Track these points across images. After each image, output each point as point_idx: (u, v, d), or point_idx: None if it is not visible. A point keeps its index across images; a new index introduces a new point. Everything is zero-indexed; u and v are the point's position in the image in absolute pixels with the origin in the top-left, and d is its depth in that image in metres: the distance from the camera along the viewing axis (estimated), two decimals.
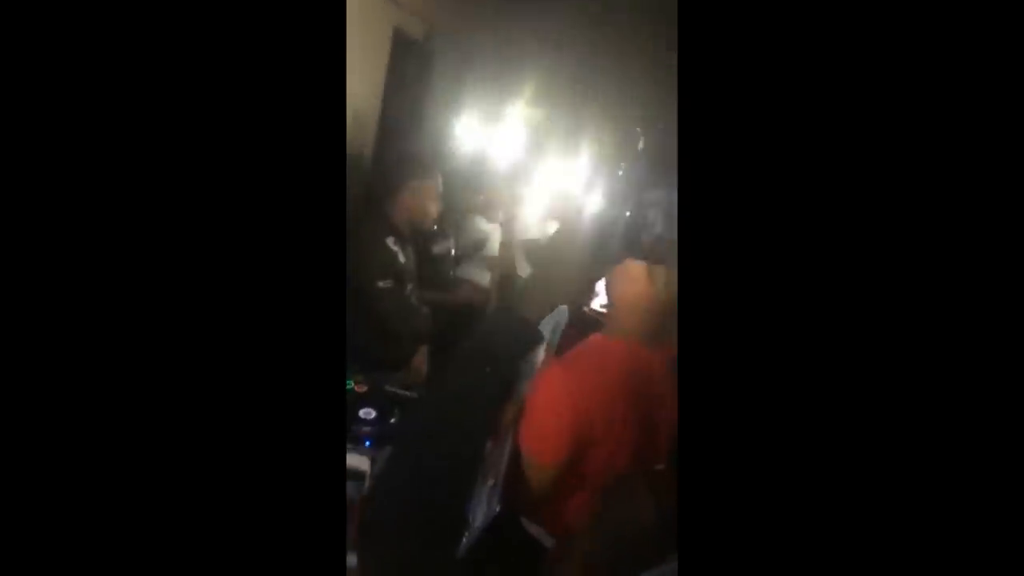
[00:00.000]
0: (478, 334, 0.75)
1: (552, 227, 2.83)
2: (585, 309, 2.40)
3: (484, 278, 2.56)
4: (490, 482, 0.96)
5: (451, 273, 2.39)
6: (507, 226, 2.68)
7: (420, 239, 1.88)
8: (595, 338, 1.06)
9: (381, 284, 1.61)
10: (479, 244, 2.56)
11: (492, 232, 2.63)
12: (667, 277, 0.91)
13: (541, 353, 0.86)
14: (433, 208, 1.73)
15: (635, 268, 0.97)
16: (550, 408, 0.95)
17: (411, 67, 2.99)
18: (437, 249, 2.24)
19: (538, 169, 3.27)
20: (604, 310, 2.53)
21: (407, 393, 1.45)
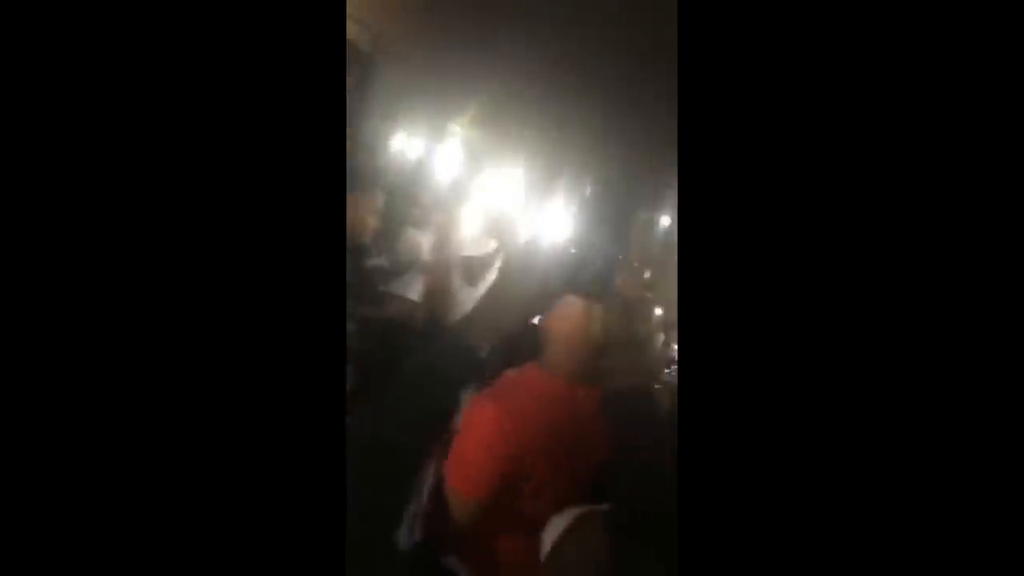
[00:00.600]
0: (422, 356, 0.74)
1: (491, 245, 2.84)
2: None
3: (415, 293, 2.53)
4: (411, 509, 0.95)
5: (381, 288, 2.34)
6: (441, 240, 2.67)
7: (355, 253, 1.83)
8: (531, 370, 1.06)
9: None
10: (413, 259, 2.54)
11: (426, 246, 2.61)
12: (604, 316, 0.94)
13: (480, 381, 0.85)
14: (371, 221, 1.69)
15: (574, 305, 0.99)
16: (479, 441, 0.94)
17: (353, 76, 2.94)
18: (371, 263, 2.19)
19: (476, 187, 3.29)
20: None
21: None
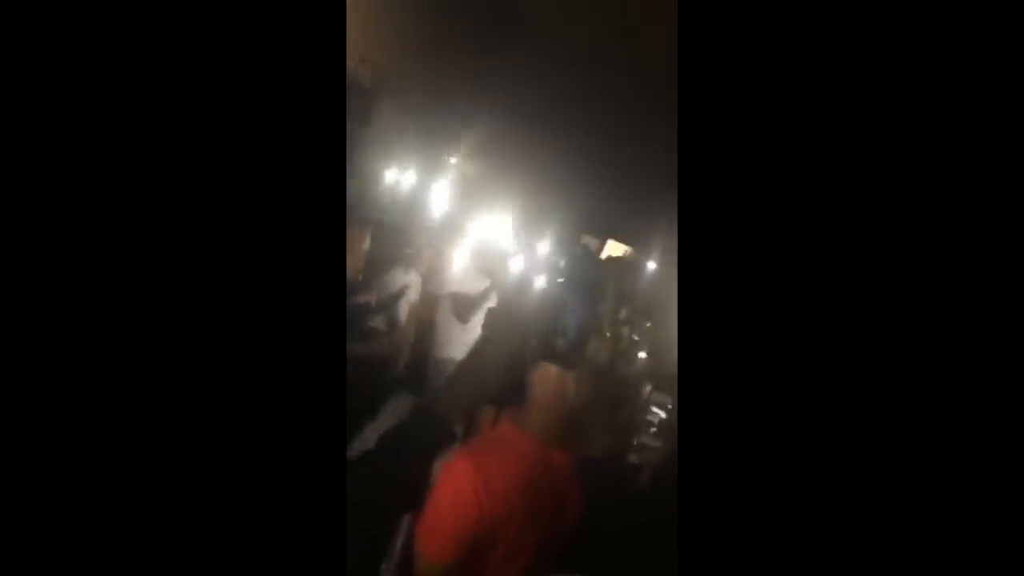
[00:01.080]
0: (394, 428, 0.74)
1: (483, 283, 2.83)
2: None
3: (399, 328, 2.53)
4: (383, 571, 0.93)
5: (366, 324, 2.34)
6: (429, 276, 2.68)
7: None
8: (506, 427, 1.05)
9: None
10: (398, 296, 2.54)
11: (414, 282, 2.62)
12: (577, 386, 0.94)
13: (454, 452, 0.85)
14: (357, 260, 1.67)
15: (550, 372, 0.99)
16: (450, 501, 0.92)
17: (352, 109, 2.99)
18: (356, 300, 2.19)
19: (469, 224, 3.32)
20: None
21: None
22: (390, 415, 2.10)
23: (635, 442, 1.13)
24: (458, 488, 0.91)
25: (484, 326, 2.52)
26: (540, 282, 3.01)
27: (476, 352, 0.81)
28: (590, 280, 0.95)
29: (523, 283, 2.64)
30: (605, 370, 0.93)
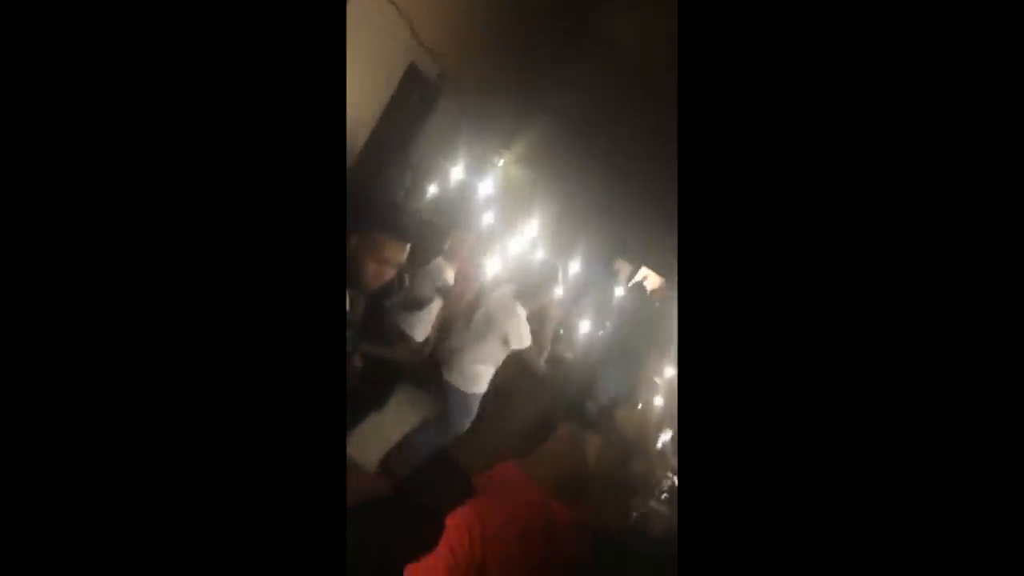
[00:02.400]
0: (410, 482, 0.74)
1: (508, 291, 2.78)
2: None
3: (422, 333, 2.53)
4: None
5: (391, 322, 2.36)
6: (462, 283, 2.67)
7: (371, 292, 1.80)
8: (511, 469, 1.03)
9: None
10: (427, 299, 2.54)
11: (449, 282, 2.60)
12: (599, 449, 0.93)
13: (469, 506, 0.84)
14: (391, 272, 1.63)
15: (571, 430, 0.98)
16: (447, 548, 0.92)
17: (414, 102, 3.01)
18: (388, 301, 2.21)
19: (508, 232, 3.31)
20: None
21: None
22: (396, 411, 2.11)
23: (643, 507, 1.12)
24: (457, 541, 0.89)
25: (513, 375, 2.45)
26: (584, 328, 2.92)
27: (502, 409, 0.81)
28: (632, 333, 0.94)
29: (562, 327, 2.57)
30: (630, 443, 0.92)
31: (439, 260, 2.57)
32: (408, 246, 1.58)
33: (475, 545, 0.88)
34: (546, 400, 0.83)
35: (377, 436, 2.12)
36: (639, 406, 0.93)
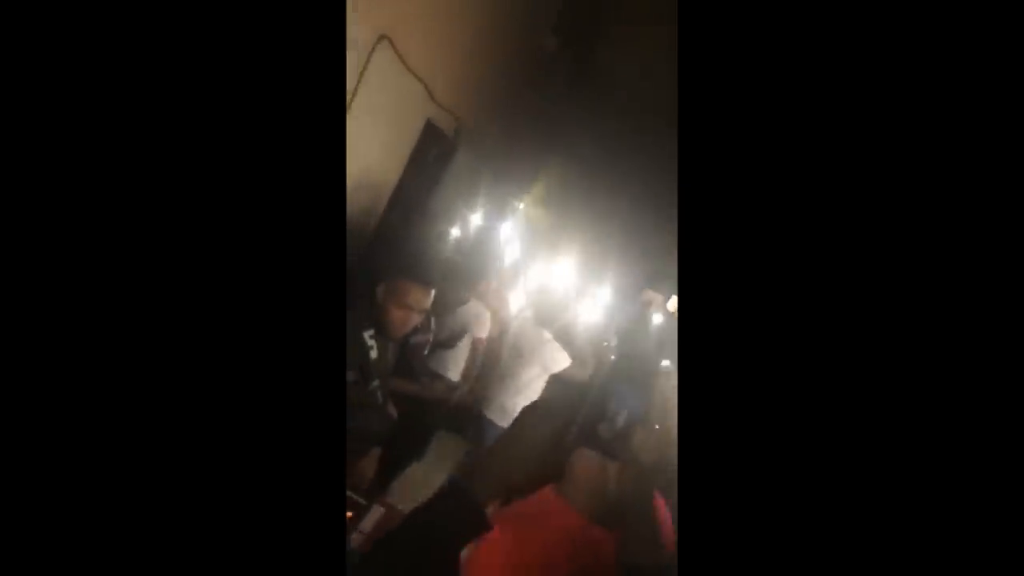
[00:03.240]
0: (423, 513, 0.76)
1: (544, 335, 2.80)
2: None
3: (456, 372, 2.58)
4: None
5: (423, 364, 2.41)
6: (492, 322, 2.72)
7: (399, 339, 1.85)
8: (550, 495, 1.05)
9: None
10: (457, 337, 2.60)
11: (479, 320, 2.66)
12: (619, 475, 0.94)
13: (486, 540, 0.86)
14: (417, 318, 1.68)
15: (589, 460, 1.00)
16: (484, 569, 0.94)
17: (433, 156, 3.15)
18: (415, 340, 2.27)
19: (532, 272, 3.38)
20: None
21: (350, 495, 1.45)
22: (435, 458, 2.13)
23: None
24: (490, 561, 0.91)
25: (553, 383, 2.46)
26: (597, 335, 2.96)
27: (513, 433, 0.82)
28: (644, 343, 0.95)
29: (575, 352, 2.59)
30: (649, 466, 0.93)
31: (467, 300, 2.63)
32: (432, 292, 1.64)
33: (513, 564, 0.88)
34: (556, 424, 0.85)
35: (418, 485, 2.14)
36: (656, 427, 0.94)
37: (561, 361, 2.51)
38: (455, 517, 0.75)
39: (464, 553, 0.80)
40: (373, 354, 1.62)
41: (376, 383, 1.65)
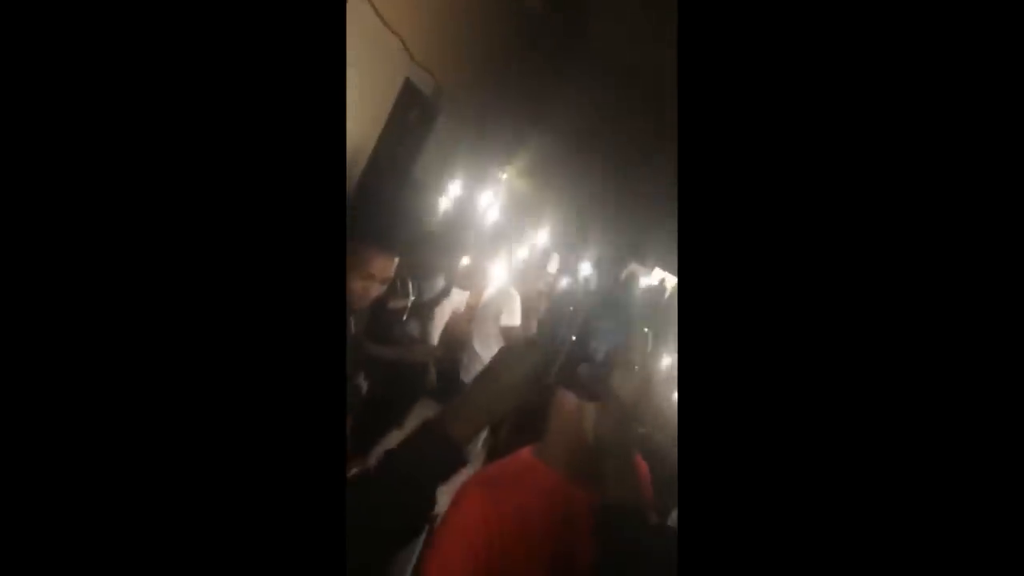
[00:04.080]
0: (395, 453, 0.71)
1: (515, 298, 2.83)
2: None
3: (433, 337, 2.54)
4: None
5: (402, 329, 2.37)
6: (467, 288, 2.70)
7: (360, 308, 1.74)
8: (526, 456, 1.01)
9: None
10: (433, 304, 2.56)
11: (451, 292, 2.64)
12: (598, 417, 0.90)
13: (462, 476, 0.81)
14: (379, 288, 1.59)
15: (568, 402, 0.95)
16: (462, 536, 0.89)
17: (413, 118, 3.05)
18: (392, 305, 2.22)
19: (510, 238, 3.33)
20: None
21: None
22: (416, 424, 2.10)
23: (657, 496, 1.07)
24: (468, 520, 0.86)
25: (504, 341, 2.51)
26: (571, 299, 3.00)
27: (491, 369, 0.77)
28: (626, 305, 0.91)
29: (552, 299, 2.63)
30: (629, 407, 0.88)
31: (444, 267, 2.59)
32: (396, 260, 1.55)
33: (493, 543, 0.84)
34: (536, 361, 0.80)
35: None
36: (636, 368, 0.89)
37: (515, 318, 2.56)
38: (429, 455, 0.70)
39: (439, 504, 0.75)
40: None
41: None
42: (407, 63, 2.77)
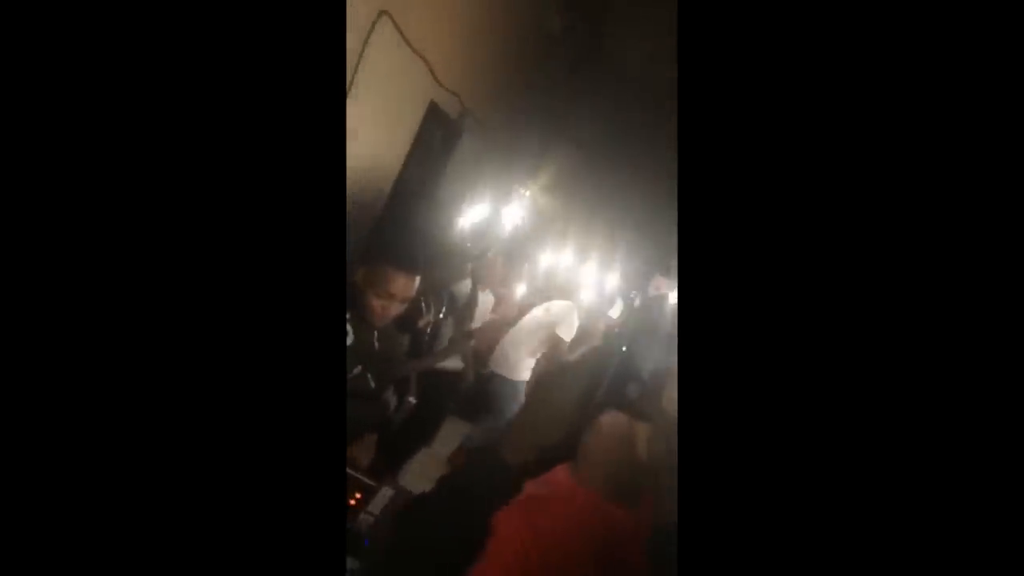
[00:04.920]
0: (452, 477, 0.72)
1: (573, 315, 2.79)
2: None
3: (462, 352, 2.55)
4: None
5: (430, 346, 2.38)
6: (496, 297, 2.72)
7: (380, 325, 1.75)
8: (562, 476, 0.99)
9: None
10: (462, 318, 2.57)
11: (481, 301, 2.65)
12: (649, 436, 0.89)
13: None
14: (399, 307, 1.61)
15: (617, 422, 0.94)
16: (501, 560, 0.88)
17: (438, 139, 3.10)
18: (421, 323, 2.24)
19: (539, 257, 3.34)
20: None
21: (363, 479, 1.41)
22: (444, 444, 2.11)
23: None
24: (507, 543, 0.85)
25: (548, 365, 2.49)
26: (612, 320, 2.98)
27: (541, 393, 0.77)
28: (665, 321, 0.91)
29: (594, 321, 2.62)
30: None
31: (471, 284, 2.60)
32: (417, 279, 1.56)
33: (529, 553, 0.84)
34: (584, 383, 0.80)
35: (428, 468, 2.13)
36: None
37: (573, 330, 2.55)
38: (488, 484, 0.70)
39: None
40: (349, 339, 1.53)
41: (358, 369, 1.58)
42: (433, 86, 2.82)
